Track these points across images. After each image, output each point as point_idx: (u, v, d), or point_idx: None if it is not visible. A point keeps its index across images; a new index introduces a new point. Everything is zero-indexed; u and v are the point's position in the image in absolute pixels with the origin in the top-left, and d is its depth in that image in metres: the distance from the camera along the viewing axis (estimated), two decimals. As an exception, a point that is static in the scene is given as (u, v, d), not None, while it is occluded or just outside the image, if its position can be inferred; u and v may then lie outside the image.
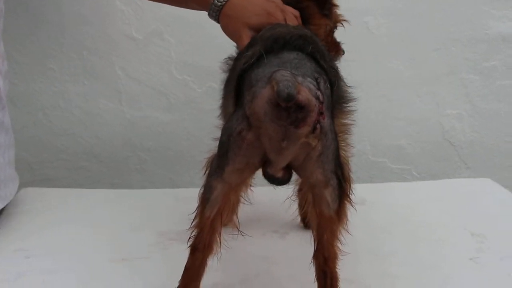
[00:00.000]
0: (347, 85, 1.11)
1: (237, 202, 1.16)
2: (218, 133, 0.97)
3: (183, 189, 1.71)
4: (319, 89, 0.87)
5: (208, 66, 1.94)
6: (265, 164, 0.91)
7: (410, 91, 2.02)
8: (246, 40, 1.12)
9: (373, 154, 2.06)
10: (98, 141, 1.98)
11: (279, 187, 0.95)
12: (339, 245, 0.96)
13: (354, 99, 1.10)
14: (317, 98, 0.85)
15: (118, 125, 1.98)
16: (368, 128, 2.01)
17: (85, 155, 1.99)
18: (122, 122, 1.98)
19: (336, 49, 1.28)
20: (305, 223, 1.34)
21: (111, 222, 1.39)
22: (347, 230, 0.97)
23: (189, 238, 0.97)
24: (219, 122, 1.09)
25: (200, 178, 0.99)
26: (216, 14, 1.21)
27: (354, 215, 0.99)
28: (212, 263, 0.98)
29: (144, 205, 1.53)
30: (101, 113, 1.97)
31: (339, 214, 0.95)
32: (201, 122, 1.98)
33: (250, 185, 1.15)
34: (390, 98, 2.02)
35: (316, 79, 0.88)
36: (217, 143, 0.95)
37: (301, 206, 1.31)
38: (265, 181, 0.95)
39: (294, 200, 1.25)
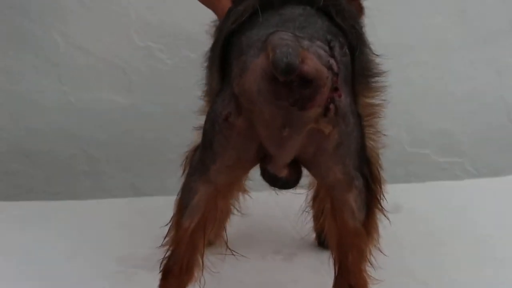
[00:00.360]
0: (374, 53, 1.10)
1: (226, 211, 1.15)
2: (199, 120, 0.96)
3: (150, 198, 1.71)
4: (332, 56, 0.86)
5: (182, 29, 1.92)
6: (263, 160, 0.91)
7: (459, 55, 2.01)
8: (227, 4, 1.13)
9: (411, 143, 2.05)
10: (29, 134, 1.96)
11: (284, 191, 0.96)
12: (369, 269, 0.96)
13: (384, 71, 1.10)
14: (330, 68, 0.85)
15: (58, 112, 1.96)
16: (404, 109, 2.00)
17: (11, 154, 1.97)
18: (64, 108, 1.96)
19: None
20: (321, 241, 1.33)
21: (48, 246, 1.38)
22: (379, 249, 0.97)
23: (162, 259, 0.97)
24: (201, 104, 1.09)
25: (174, 183, 0.99)
26: None
27: (388, 227, 0.99)
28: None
29: (96, 221, 1.52)
30: (33, 95, 1.94)
31: (368, 226, 0.95)
32: (173, 106, 1.97)
33: (245, 189, 1.14)
34: (432, 66, 2.00)
35: (329, 43, 0.88)
36: (199, 133, 0.95)
37: (317, 218, 1.30)
38: (265, 184, 0.95)
39: (306, 211, 1.25)
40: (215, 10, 1.19)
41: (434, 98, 2.04)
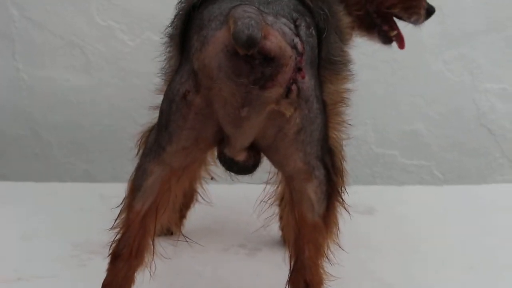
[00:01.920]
0: (342, 42, 1.10)
1: (182, 196, 1.12)
2: (156, 99, 0.96)
3: (104, 184, 1.70)
4: (297, 34, 0.86)
5: (146, 9, 1.92)
6: (221, 142, 0.91)
7: (431, 55, 2.02)
8: None
9: (378, 144, 2.06)
10: (-23, 113, 1.96)
11: (243, 178, 0.95)
12: (326, 265, 0.95)
13: (351, 62, 1.09)
14: (294, 47, 0.84)
15: (9, 89, 1.96)
16: (371, 107, 2.01)
17: (-43, 133, 1.96)
18: (15, 85, 1.96)
19: None
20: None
21: (1, 228, 1.38)
22: (337, 244, 0.97)
23: (111, 242, 0.96)
24: (159, 82, 1.08)
25: (129, 171, 0.98)
26: None
27: (355, 226, 1.00)
28: (141, 278, 0.97)
29: (50, 205, 1.52)
30: (-17, 72, 1.94)
31: (327, 220, 0.94)
32: (132, 90, 1.96)
33: (208, 178, 1.15)
34: (404, 65, 2.02)
35: (294, 21, 0.88)
36: (155, 113, 0.95)
37: (282, 211, 1.30)
38: (235, 176, 0.96)
39: (270, 203, 1.24)
40: None
41: (404, 98, 2.06)
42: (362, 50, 1.24)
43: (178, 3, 1.06)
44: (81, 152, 2.01)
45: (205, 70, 0.85)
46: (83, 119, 1.99)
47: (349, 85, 1.06)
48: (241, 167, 0.92)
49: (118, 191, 1.01)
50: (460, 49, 2.04)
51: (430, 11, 1.31)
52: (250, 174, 0.94)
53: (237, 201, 1.44)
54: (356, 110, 1.09)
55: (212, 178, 1.21)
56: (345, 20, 1.20)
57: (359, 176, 2.02)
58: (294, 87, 0.85)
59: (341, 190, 0.96)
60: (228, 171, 0.94)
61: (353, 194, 1.01)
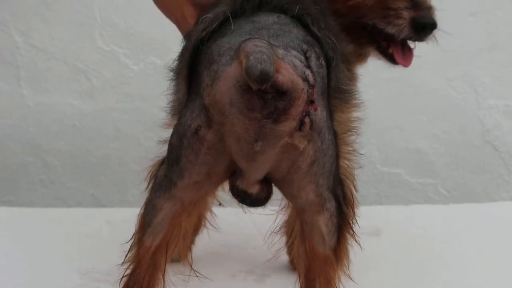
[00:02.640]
0: (348, 66, 1.10)
1: (192, 229, 1.15)
2: (164, 134, 0.95)
3: (111, 210, 1.69)
4: (308, 66, 0.86)
5: (149, 33, 1.92)
6: (233, 175, 0.91)
7: (435, 73, 2.03)
8: (191, 22, 1.13)
9: (383, 162, 2.07)
10: (-16, 139, 1.96)
11: (255, 209, 0.95)
12: (336, 294, 0.95)
13: (358, 86, 1.10)
14: (306, 79, 0.84)
15: (15, 116, 1.95)
16: (376, 126, 2.01)
17: (-37, 159, 1.96)
18: (21, 111, 1.95)
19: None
20: (294, 264, 1.29)
21: (3, 255, 1.36)
22: (349, 276, 0.97)
23: (121, 277, 0.96)
24: (166, 117, 1.08)
25: (135, 195, 0.98)
26: None
27: (362, 249, 0.98)
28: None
29: (56, 231, 1.51)
30: (-12, 98, 1.94)
31: (338, 252, 0.94)
32: (137, 114, 1.96)
33: (215, 203, 1.14)
34: (406, 83, 2.02)
35: (305, 53, 0.87)
36: (164, 147, 0.94)
37: (289, 237, 1.27)
38: (243, 207, 0.94)
39: (278, 231, 1.24)
40: (178, 27, 1.19)
41: (408, 115, 2.06)
42: (365, 69, 1.24)
43: (184, 37, 1.06)
44: (87, 176, 2.01)
45: (217, 105, 0.85)
46: (88, 144, 1.99)
47: (358, 114, 1.05)
48: (254, 200, 0.92)
49: (125, 216, 1.01)
50: (464, 66, 2.05)
51: (418, 22, 1.21)
52: (263, 206, 0.94)
53: (244, 226, 1.43)
54: (360, 129, 1.07)
55: (220, 204, 1.22)
56: (349, 48, 1.21)
57: (365, 195, 2.02)
58: (307, 119, 0.84)
59: (352, 222, 0.95)
60: (240, 204, 0.93)
61: (360, 215, 1.00)
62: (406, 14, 1.20)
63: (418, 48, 1.45)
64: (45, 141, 1.98)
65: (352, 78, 1.14)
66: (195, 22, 1.06)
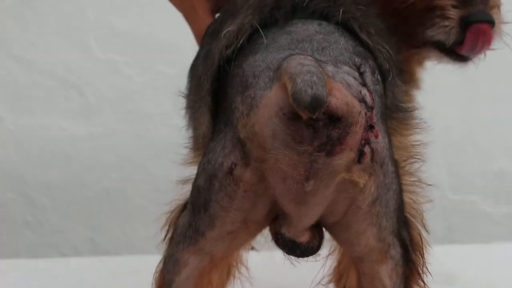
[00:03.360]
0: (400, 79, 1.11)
1: (222, 283, 1.13)
2: (181, 169, 0.96)
3: (116, 259, 1.70)
4: (364, 84, 0.86)
5: (155, 36, 1.95)
6: (276, 220, 0.90)
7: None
8: (203, 16, 1.15)
9: (454, 189, 2.07)
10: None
11: (303, 259, 0.94)
12: None
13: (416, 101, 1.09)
14: (363, 100, 0.84)
15: (-8, 143, 1.98)
16: (443, 143, 2.02)
17: None
18: (0, 136, 1.98)
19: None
20: None
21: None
22: None
23: None
24: (188, 153, 1.09)
25: (143, 238, 0.99)
26: None
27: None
28: None
29: (43, 285, 1.52)
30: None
31: (405, 311, 0.94)
32: (143, 137, 1.98)
33: (248, 248, 1.14)
34: (480, 86, 2.03)
35: (358, 68, 0.87)
36: (184, 188, 0.95)
37: None
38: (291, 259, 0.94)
39: (326, 284, 1.25)
40: (190, 23, 1.20)
41: (485, 129, 2.07)
42: (430, 69, 1.26)
43: (198, 57, 1.06)
44: (83, 216, 2.03)
45: (255, 138, 0.84)
46: (84, 176, 2.01)
47: (420, 136, 1.04)
48: (304, 250, 0.91)
49: (134, 266, 1.02)
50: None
51: (469, 21, 1.18)
52: (314, 256, 0.93)
53: (283, 275, 1.43)
54: (424, 152, 1.06)
55: (252, 248, 1.22)
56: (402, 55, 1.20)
57: (433, 231, 2.01)
58: (367, 149, 0.84)
59: (422, 271, 0.95)
60: (288, 254, 0.92)
61: (429, 260, 0.99)
62: (453, 13, 1.18)
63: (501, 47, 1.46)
64: (30, 173, 2.01)
65: (408, 93, 1.13)
66: (206, 31, 1.08)
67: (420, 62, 1.29)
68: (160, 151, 1.05)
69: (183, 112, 1.10)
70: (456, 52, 1.23)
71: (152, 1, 1.90)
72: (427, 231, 0.99)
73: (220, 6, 1.15)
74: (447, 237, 2.05)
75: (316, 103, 0.76)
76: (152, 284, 0.97)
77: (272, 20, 0.94)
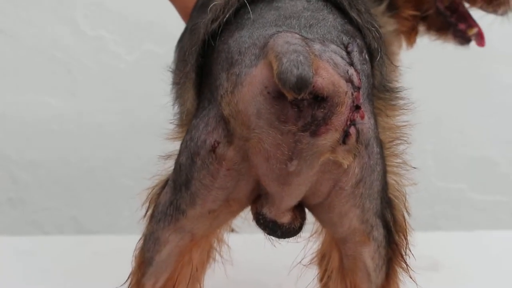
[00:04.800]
0: (394, 60, 1.12)
1: (203, 263, 1.12)
2: (167, 146, 0.96)
3: (98, 238, 1.70)
4: (351, 63, 0.85)
5: (144, 14, 1.95)
6: (258, 200, 0.90)
7: (506, 63, 2.05)
8: None
9: (441, 176, 2.08)
10: None
11: (283, 240, 0.94)
12: None
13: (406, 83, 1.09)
14: (350, 80, 0.83)
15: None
16: (431, 130, 2.03)
17: None
18: (-18, 115, 1.98)
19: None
20: None
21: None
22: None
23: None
24: (173, 129, 1.08)
25: (128, 218, 0.99)
26: None
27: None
28: None
29: (27, 263, 1.52)
30: None
31: (388, 292, 0.95)
32: (131, 116, 1.99)
33: (229, 230, 1.13)
34: (468, 76, 2.04)
35: (346, 47, 0.87)
36: (166, 163, 0.95)
37: (324, 272, 1.29)
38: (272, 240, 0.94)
39: (308, 263, 1.25)
40: (174, 3, 1.20)
41: (473, 116, 2.08)
42: (415, 58, 1.25)
43: (186, 30, 1.07)
44: (67, 195, 2.03)
45: (239, 117, 0.84)
46: (69, 154, 2.02)
47: (407, 117, 1.03)
48: (286, 231, 0.91)
49: (117, 245, 1.03)
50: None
51: None
52: (295, 237, 0.94)
53: (264, 257, 1.43)
54: (411, 135, 1.05)
55: (232, 230, 1.22)
56: (389, 27, 1.22)
57: (418, 218, 2.01)
58: (352, 130, 0.83)
59: (405, 252, 0.95)
60: (269, 236, 0.93)
61: (413, 244, 0.99)
62: None
63: (486, 32, 1.48)
64: (14, 151, 2.01)
65: (396, 70, 1.11)
66: (195, 6, 1.09)
67: (410, 39, 1.32)
68: (147, 131, 1.05)
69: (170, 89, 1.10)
70: (467, 36, 1.36)
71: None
72: (409, 213, 0.99)
73: None
74: (432, 224, 2.06)
75: (302, 83, 0.75)
76: (132, 262, 0.97)
77: None
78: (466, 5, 1.33)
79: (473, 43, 1.37)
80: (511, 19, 1.30)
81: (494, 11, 1.31)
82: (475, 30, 1.34)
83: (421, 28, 1.32)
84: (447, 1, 1.31)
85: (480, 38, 1.34)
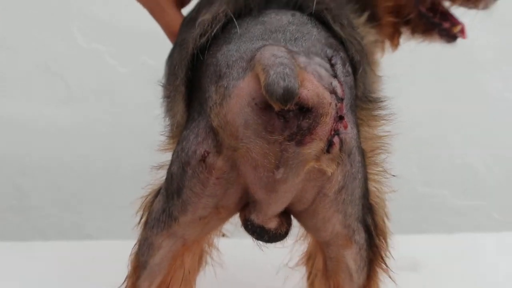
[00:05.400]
0: (375, 70, 1.12)
1: (195, 267, 1.13)
2: (159, 158, 0.97)
3: (96, 242, 1.70)
4: (335, 75, 0.87)
5: (139, 27, 1.89)
6: (246, 207, 0.92)
7: (489, 73, 2.05)
8: (169, 11, 1.15)
9: (423, 182, 2.09)
10: None
11: (270, 245, 0.95)
12: None
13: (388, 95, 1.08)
14: (333, 91, 0.85)
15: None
16: (415, 139, 2.03)
17: None
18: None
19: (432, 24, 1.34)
20: None
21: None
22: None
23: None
24: (164, 141, 1.07)
25: (126, 222, 1.01)
26: None
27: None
28: None
29: (28, 268, 1.52)
30: None
31: (368, 292, 0.97)
32: (127, 126, 2.00)
33: (219, 235, 1.14)
34: (450, 85, 2.04)
35: (329, 59, 0.89)
36: (158, 173, 0.96)
37: (310, 272, 1.21)
38: (259, 244, 0.96)
39: (295, 269, 1.21)
40: (158, 20, 1.19)
41: (455, 124, 2.08)
42: (398, 68, 1.26)
43: (176, 45, 1.06)
44: (67, 202, 2.04)
45: (228, 127, 0.85)
46: (68, 163, 2.02)
47: (388, 127, 1.04)
48: (273, 235, 0.92)
49: (115, 249, 1.03)
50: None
51: None
52: (282, 242, 0.95)
53: (254, 259, 1.41)
54: (396, 143, 1.06)
55: (223, 235, 1.20)
56: (371, 37, 1.20)
57: (401, 222, 2.02)
58: (336, 139, 0.85)
59: (385, 254, 0.97)
60: (257, 240, 0.94)
61: (394, 246, 1.01)
62: None
63: (467, 42, 1.50)
64: (16, 161, 2.01)
65: (378, 81, 1.13)
66: (183, 22, 1.10)
67: (393, 42, 1.33)
68: (142, 141, 1.04)
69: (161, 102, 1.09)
70: (452, 34, 1.35)
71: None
72: (388, 218, 1.01)
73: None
74: (415, 228, 2.04)
75: (288, 95, 0.76)
76: (127, 266, 0.99)
77: (246, 9, 0.95)
78: (447, 4, 1.33)
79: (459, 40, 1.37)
80: (493, 12, 1.29)
81: (475, 6, 1.31)
82: (459, 27, 1.34)
83: (406, 32, 1.32)
84: (428, 3, 1.31)
85: (462, 32, 1.35)
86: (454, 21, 1.35)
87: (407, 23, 1.32)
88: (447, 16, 1.34)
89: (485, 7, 1.32)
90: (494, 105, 2.10)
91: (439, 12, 1.33)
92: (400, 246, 1.05)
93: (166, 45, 1.13)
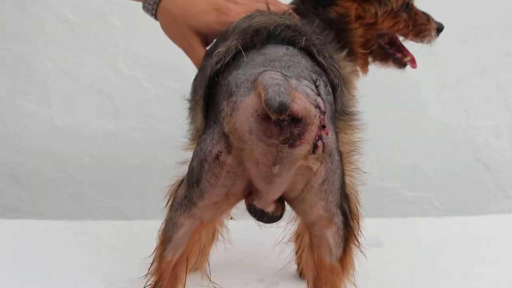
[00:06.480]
0: (349, 91, 1.12)
1: (209, 241, 1.16)
2: (182, 154, 0.97)
3: (133, 222, 1.68)
4: (319, 94, 0.87)
5: (166, 60, 1.93)
6: (250, 195, 0.91)
7: (429, 95, 2.03)
8: (198, 48, 1.18)
9: (382, 178, 2.07)
10: (17, 156, 1.96)
11: (269, 225, 0.95)
12: (343, 304, 0.95)
13: (359, 109, 1.10)
14: (318, 106, 0.85)
15: (45, 135, 1.96)
16: (376, 144, 2.01)
17: (-1, 174, 1.97)
18: (51, 131, 1.96)
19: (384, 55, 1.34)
20: (303, 272, 1.30)
21: (34, 265, 1.35)
22: (354, 284, 0.97)
23: (144, 288, 0.96)
24: (186, 142, 1.09)
25: (155, 208, 0.99)
26: (153, 8, 1.23)
27: (365, 259, 0.99)
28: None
29: (81, 242, 1.50)
30: (21, 119, 1.94)
31: (344, 262, 0.95)
32: (156, 133, 1.97)
33: (227, 217, 1.14)
34: (403, 105, 2.03)
35: (314, 82, 0.89)
36: (182, 167, 0.95)
37: (298, 247, 1.27)
38: (259, 224, 0.95)
39: (287, 241, 1.24)
40: (187, 53, 1.21)
41: (406, 134, 2.07)
42: (365, 91, 1.25)
43: (198, 71, 1.07)
44: (111, 190, 2.02)
45: (236, 133, 0.85)
46: (112, 160, 2.00)
47: (360, 134, 1.06)
48: (270, 217, 0.92)
49: (146, 227, 1.02)
50: (456, 90, 2.05)
51: (440, 29, 1.35)
52: (277, 222, 0.95)
53: (255, 238, 1.41)
54: (362, 147, 1.08)
55: (231, 218, 1.22)
56: (348, 69, 1.22)
57: (366, 208, 2.01)
58: (320, 143, 0.85)
59: (357, 233, 0.97)
60: (258, 221, 0.94)
61: (362, 227, 1.01)
62: (433, 25, 1.33)
63: (415, 74, 1.48)
64: (73, 158, 1.99)
65: (353, 99, 1.15)
66: (205, 54, 1.12)
67: (363, 69, 1.32)
68: (168, 145, 1.06)
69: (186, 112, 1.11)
70: (403, 63, 1.36)
71: (165, 35, 1.90)
72: (360, 205, 1.01)
73: (207, 39, 1.20)
74: (377, 213, 2.04)
75: (283, 108, 0.78)
76: (156, 239, 0.98)
77: (251, 44, 0.95)
78: (401, 38, 1.34)
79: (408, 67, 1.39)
80: (433, 46, 1.32)
81: (421, 41, 1.33)
82: (409, 58, 1.35)
83: (370, 60, 1.32)
84: (386, 38, 1.32)
85: (413, 62, 1.36)
86: (405, 53, 1.35)
87: (370, 53, 1.32)
88: (400, 48, 1.35)
89: (429, 41, 1.34)
90: (434, 120, 2.10)
91: (394, 45, 1.34)
92: (366, 228, 1.04)
93: (186, 74, 1.16)
